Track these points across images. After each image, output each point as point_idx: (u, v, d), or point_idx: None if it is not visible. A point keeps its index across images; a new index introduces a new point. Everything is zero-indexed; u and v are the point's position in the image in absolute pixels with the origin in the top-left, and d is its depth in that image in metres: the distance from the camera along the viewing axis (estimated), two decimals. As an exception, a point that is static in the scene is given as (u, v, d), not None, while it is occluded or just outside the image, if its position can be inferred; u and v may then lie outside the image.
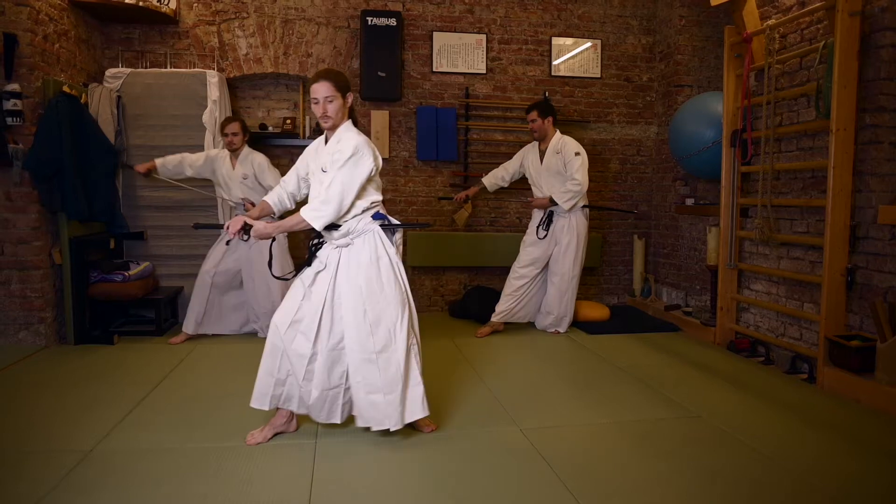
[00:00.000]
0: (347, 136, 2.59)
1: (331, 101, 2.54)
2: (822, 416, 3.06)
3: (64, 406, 3.07)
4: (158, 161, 4.34)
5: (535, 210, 4.73)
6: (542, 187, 4.61)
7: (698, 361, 4.00)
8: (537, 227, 4.62)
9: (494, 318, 4.66)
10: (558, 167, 4.49)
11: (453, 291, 5.60)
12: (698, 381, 3.60)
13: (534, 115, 4.52)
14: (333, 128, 2.61)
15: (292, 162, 5.52)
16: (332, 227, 2.62)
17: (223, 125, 4.33)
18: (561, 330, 4.68)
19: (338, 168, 2.52)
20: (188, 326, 4.35)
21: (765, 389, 3.44)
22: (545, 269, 4.69)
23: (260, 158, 4.38)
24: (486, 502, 2.20)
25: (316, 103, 2.55)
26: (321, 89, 2.52)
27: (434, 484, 2.33)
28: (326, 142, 2.68)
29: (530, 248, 4.66)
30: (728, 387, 3.49)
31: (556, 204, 4.47)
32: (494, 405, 3.16)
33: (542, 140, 4.60)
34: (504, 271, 5.61)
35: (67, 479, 2.31)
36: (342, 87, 2.58)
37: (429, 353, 3.99)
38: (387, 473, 2.42)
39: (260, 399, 2.66)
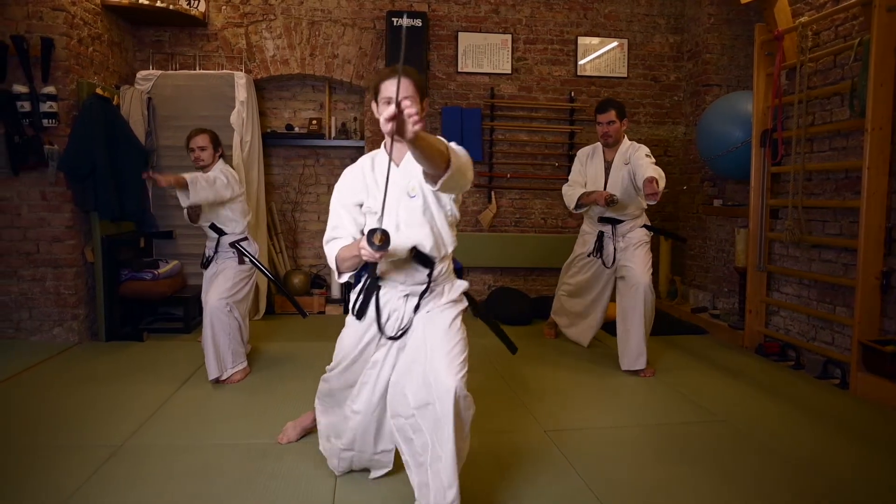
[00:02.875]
0: None
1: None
2: (856, 423, 2.99)
3: (95, 401, 3.14)
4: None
5: (586, 234, 4.03)
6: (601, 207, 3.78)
7: (725, 365, 3.93)
8: (590, 255, 3.95)
9: (571, 334, 4.31)
10: (625, 182, 3.66)
11: (477, 292, 5.60)
12: (725, 385, 3.54)
13: (612, 114, 3.65)
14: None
15: (318, 162, 5.68)
16: (424, 260, 2.03)
17: (188, 138, 3.56)
18: (637, 367, 3.74)
19: (455, 146, 1.85)
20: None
21: (794, 395, 3.37)
22: (603, 288, 4.03)
23: (224, 171, 3.56)
24: (507, 500, 2.20)
25: (388, 104, 1.86)
26: (397, 87, 1.74)
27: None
28: (394, 162, 1.99)
29: (578, 275, 4.10)
30: (756, 391, 3.43)
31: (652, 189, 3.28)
32: (518, 406, 3.15)
33: (613, 146, 3.77)
34: (528, 272, 5.62)
35: (99, 474, 2.36)
36: (422, 90, 2.01)
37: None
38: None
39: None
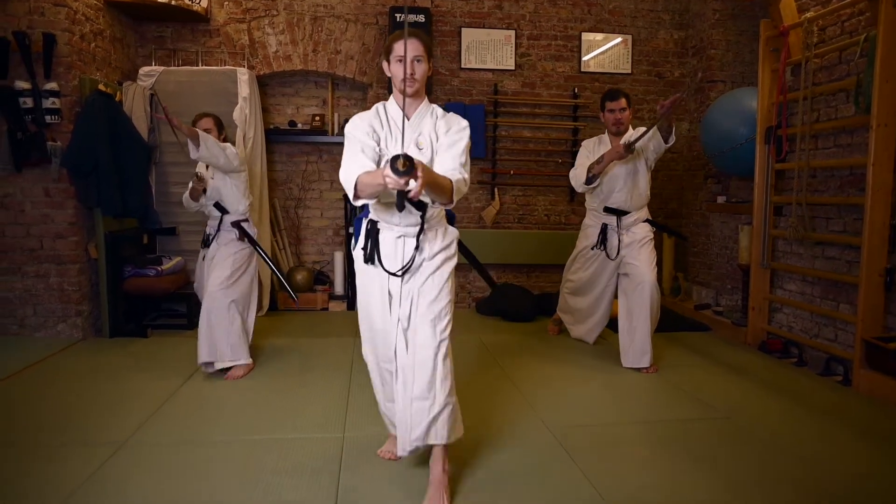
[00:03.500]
0: (453, 114, 2.33)
1: (419, 62, 2.19)
2: (858, 419, 2.99)
3: (99, 397, 3.15)
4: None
5: (590, 226, 4.00)
6: (605, 192, 3.84)
7: (728, 362, 3.93)
8: (594, 247, 3.93)
9: (577, 333, 4.29)
10: (629, 167, 3.74)
11: (480, 288, 5.59)
12: (728, 382, 3.53)
13: (623, 102, 3.71)
14: (416, 94, 2.24)
15: (321, 159, 5.67)
16: (418, 203, 2.18)
17: (193, 122, 3.63)
18: (644, 364, 3.73)
19: (462, 140, 2.23)
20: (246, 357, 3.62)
21: (797, 391, 3.37)
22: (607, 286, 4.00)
23: (232, 149, 3.61)
24: (510, 499, 2.20)
25: (399, 62, 2.16)
26: (411, 47, 2.15)
27: (458, 479, 2.33)
28: (406, 115, 2.23)
29: (582, 270, 4.07)
30: (759, 388, 3.42)
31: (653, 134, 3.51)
32: (520, 402, 3.15)
33: (621, 134, 3.79)
34: (531, 268, 5.62)
35: (103, 470, 2.37)
36: (429, 52, 2.24)
37: (455, 350, 3.99)
38: (412, 467, 2.42)
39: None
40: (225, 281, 3.49)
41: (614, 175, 3.78)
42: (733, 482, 2.34)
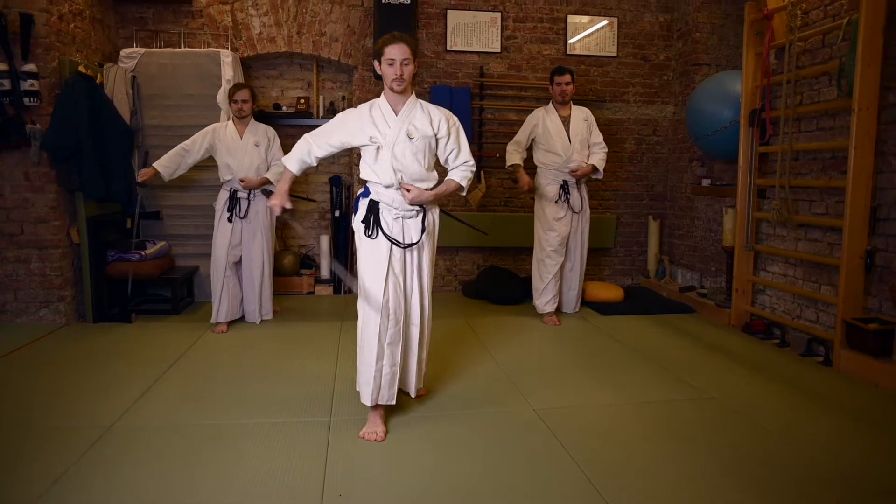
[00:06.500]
0: (437, 107, 2.70)
1: (407, 65, 2.53)
2: (839, 398, 3.05)
3: (84, 383, 3.12)
4: (156, 165, 4.03)
5: (548, 185, 4.39)
6: (562, 154, 4.30)
7: (713, 343, 3.98)
8: (557, 201, 4.36)
9: (549, 308, 4.44)
10: (585, 135, 4.38)
11: (467, 272, 5.61)
12: (712, 363, 3.58)
13: (569, 77, 4.33)
14: (403, 91, 2.59)
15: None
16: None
17: (233, 92, 4.12)
18: (577, 308, 4.72)
19: (461, 133, 2.70)
20: (221, 316, 4.15)
21: (780, 372, 3.42)
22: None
23: (273, 131, 4.31)
24: (498, 481, 2.22)
25: (391, 65, 2.53)
26: (400, 51, 2.51)
27: (446, 462, 2.35)
28: (394, 110, 2.60)
29: (558, 225, 4.37)
30: (742, 369, 3.47)
31: (597, 171, 4.40)
32: (507, 385, 3.17)
33: (565, 105, 4.39)
34: (518, 252, 5.63)
35: (88, 454, 2.36)
36: (415, 54, 2.59)
37: (441, 333, 4.02)
38: (399, 450, 2.44)
39: (374, 395, 2.58)
40: (271, 252, 4.45)
41: (574, 137, 4.33)
42: (720, 461, 2.38)
